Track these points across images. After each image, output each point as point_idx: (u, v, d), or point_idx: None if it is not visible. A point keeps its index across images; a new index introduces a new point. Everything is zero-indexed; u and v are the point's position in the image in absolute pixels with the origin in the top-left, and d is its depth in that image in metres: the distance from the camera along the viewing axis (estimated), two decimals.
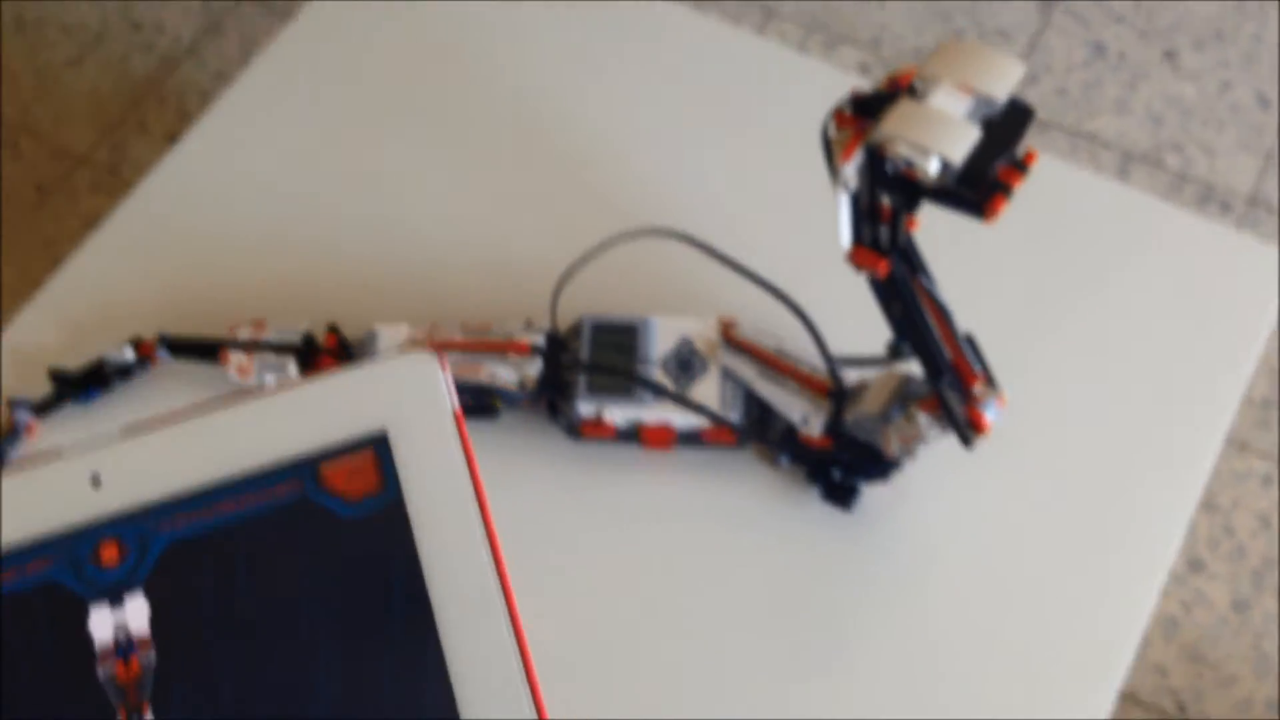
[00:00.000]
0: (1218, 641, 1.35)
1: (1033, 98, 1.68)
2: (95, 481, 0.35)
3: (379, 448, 0.36)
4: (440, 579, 0.35)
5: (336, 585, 0.35)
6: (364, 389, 0.36)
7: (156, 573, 0.35)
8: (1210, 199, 1.60)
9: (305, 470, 0.35)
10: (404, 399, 0.36)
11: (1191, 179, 1.62)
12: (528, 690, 0.35)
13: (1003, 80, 0.55)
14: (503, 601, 0.35)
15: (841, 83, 0.95)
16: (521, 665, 0.35)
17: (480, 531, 0.35)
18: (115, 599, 0.35)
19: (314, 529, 0.35)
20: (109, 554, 0.35)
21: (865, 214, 0.62)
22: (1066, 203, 0.90)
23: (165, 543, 0.35)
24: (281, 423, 0.36)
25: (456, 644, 0.35)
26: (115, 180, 1.64)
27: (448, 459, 0.35)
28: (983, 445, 0.80)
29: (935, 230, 0.84)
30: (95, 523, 0.35)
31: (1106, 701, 0.74)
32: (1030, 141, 1.64)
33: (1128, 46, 1.72)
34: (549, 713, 0.35)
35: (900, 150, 0.55)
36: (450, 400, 0.36)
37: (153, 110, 1.69)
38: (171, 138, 1.66)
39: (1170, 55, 1.71)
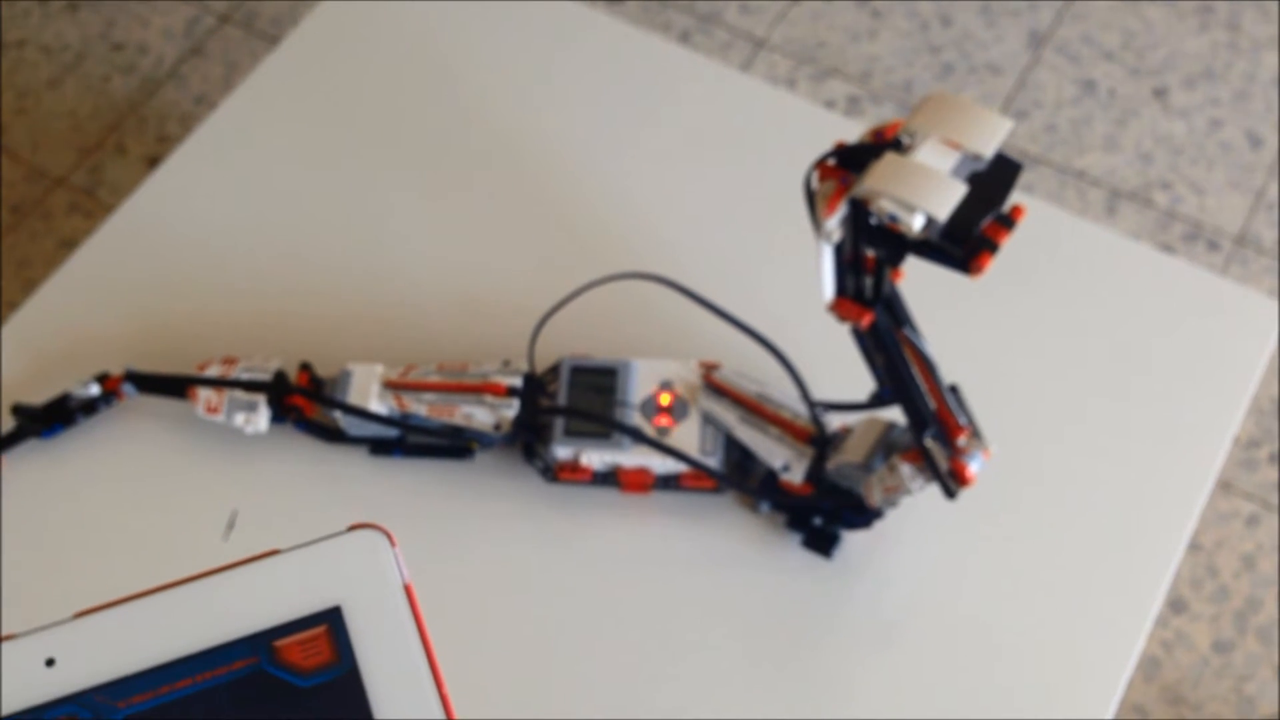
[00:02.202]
0: (1199, 683, 1.34)
1: (1021, 134, 1.67)
2: (49, 663, 0.36)
3: (333, 622, 0.37)
4: None
5: None
6: (316, 566, 0.37)
7: None
8: (1198, 237, 1.60)
9: (260, 645, 0.36)
10: (356, 575, 0.37)
11: (1180, 217, 1.61)
12: None
13: (990, 136, 0.54)
14: None
15: (829, 122, 0.94)
16: None
17: (435, 700, 0.36)
18: None
19: (271, 699, 0.36)
20: None
21: (849, 265, 0.60)
22: (1055, 247, 0.89)
23: (121, 718, 0.36)
24: (234, 601, 0.37)
25: None
26: (93, 202, 1.62)
27: (400, 631, 0.37)
28: (967, 491, 0.79)
29: (919, 276, 0.83)
30: (50, 701, 0.36)
31: None
32: (1019, 178, 1.62)
33: (1117, 84, 1.71)
34: None
35: (885, 205, 0.53)
36: (401, 574, 0.37)
37: (132, 133, 1.68)
38: (151, 161, 1.64)
39: (1160, 93, 1.71)
